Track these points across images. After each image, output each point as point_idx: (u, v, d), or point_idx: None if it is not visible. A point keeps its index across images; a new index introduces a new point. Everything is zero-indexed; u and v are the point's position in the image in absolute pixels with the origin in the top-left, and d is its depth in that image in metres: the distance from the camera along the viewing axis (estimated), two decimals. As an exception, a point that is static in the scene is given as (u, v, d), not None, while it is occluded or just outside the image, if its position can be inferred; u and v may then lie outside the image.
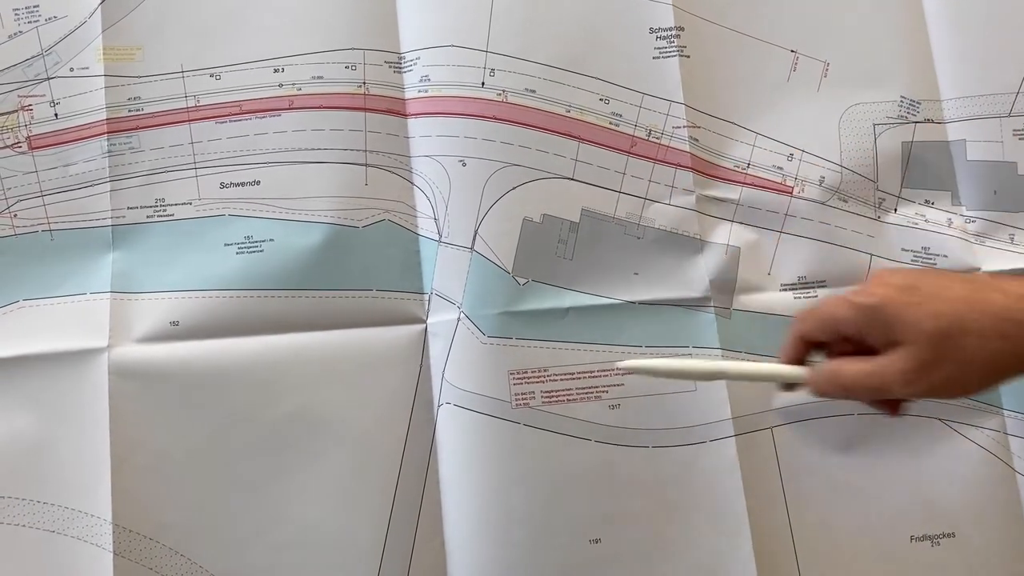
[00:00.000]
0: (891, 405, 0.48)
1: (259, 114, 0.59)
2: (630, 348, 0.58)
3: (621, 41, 0.61)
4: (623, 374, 0.56)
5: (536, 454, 0.56)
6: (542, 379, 0.57)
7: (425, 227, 0.59)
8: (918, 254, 0.60)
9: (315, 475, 0.56)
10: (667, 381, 0.57)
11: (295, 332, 0.57)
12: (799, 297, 0.59)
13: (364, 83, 0.60)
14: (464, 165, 0.59)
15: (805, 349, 0.49)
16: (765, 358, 0.58)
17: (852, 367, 0.44)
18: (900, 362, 0.42)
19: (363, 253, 0.58)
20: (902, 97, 0.61)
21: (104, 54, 0.60)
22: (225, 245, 0.58)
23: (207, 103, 0.60)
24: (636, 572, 0.55)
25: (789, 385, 0.49)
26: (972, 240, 0.60)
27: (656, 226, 0.59)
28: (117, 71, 0.59)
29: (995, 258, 0.60)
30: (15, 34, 0.60)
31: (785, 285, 0.59)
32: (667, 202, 0.60)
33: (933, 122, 0.61)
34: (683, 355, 0.58)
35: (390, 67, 0.61)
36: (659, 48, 0.61)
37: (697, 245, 0.59)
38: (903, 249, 0.60)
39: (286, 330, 0.57)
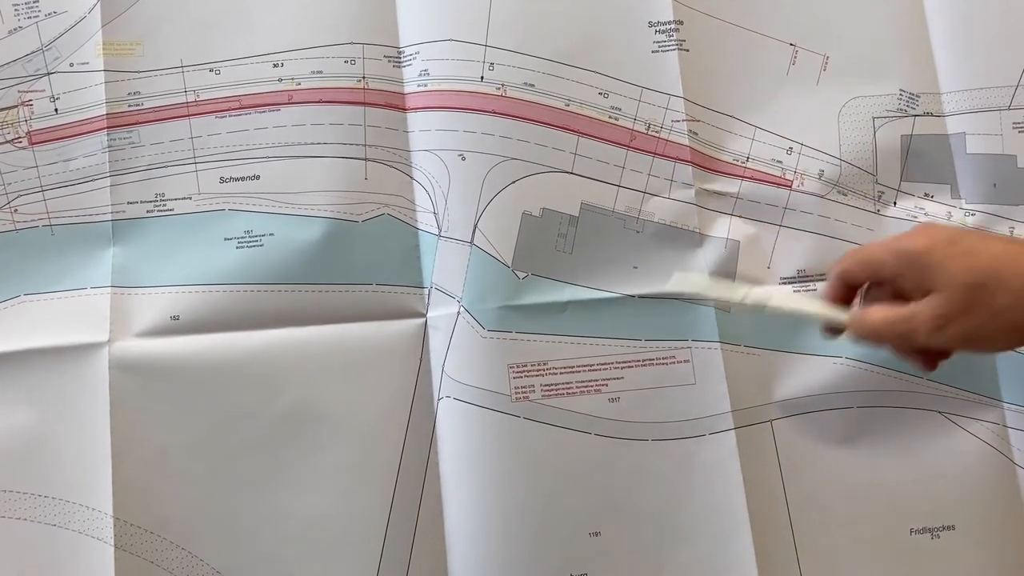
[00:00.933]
0: (926, 360, 0.48)
1: (259, 109, 0.60)
2: (630, 341, 0.58)
3: (620, 35, 0.61)
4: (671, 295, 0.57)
5: (536, 447, 0.56)
6: (542, 372, 0.57)
7: (424, 221, 0.59)
8: (918, 247, 0.60)
9: (315, 469, 0.56)
10: (667, 376, 0.57)
11: (295, 326, 0.57)
12: (798, 291, 0.59)
13: (363, 77, 0.60)
14: (463, 159, 0.59)
15: (845, 290, 0.50)
16: (765, 351, 0.58)
17: (882, 311, 0.46)
18: (930, 308, 0.43)
19: (363, 247, 0.58)
20: (901, 90, 0.61)
21: (104, 49, 0.60)
22: (225, 239, 0.58)
23: (207, 98, 0.60)
24: (636, 565, 0.55)
25: (832, 330, 0.50)
26: (972, 233, 0.60)
27: (655, 220, 0.59)
28: (117, 66, 0.60)
29: (995, 251, 0.60)
30: (15, 29, 0.60)
31: (784, 278, 0.59)
32: (666, 196, 0.60)
33: (932, 115, 0.61)
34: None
35: (389, 61, 0.61)
36: (658, 42, 0.61)
37: (696, 239, 0.59)
38: (902, 242, 0.60)
39: (286, 324, 0.57)
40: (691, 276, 0.56)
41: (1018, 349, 0.58)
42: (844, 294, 0.50)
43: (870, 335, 0.47)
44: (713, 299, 0.55)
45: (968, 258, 0.43)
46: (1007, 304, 0.42)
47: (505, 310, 0.58)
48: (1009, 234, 0.59)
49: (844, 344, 0.52)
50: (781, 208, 0.60)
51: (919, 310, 0.44)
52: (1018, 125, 0.60)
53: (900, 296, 0.46)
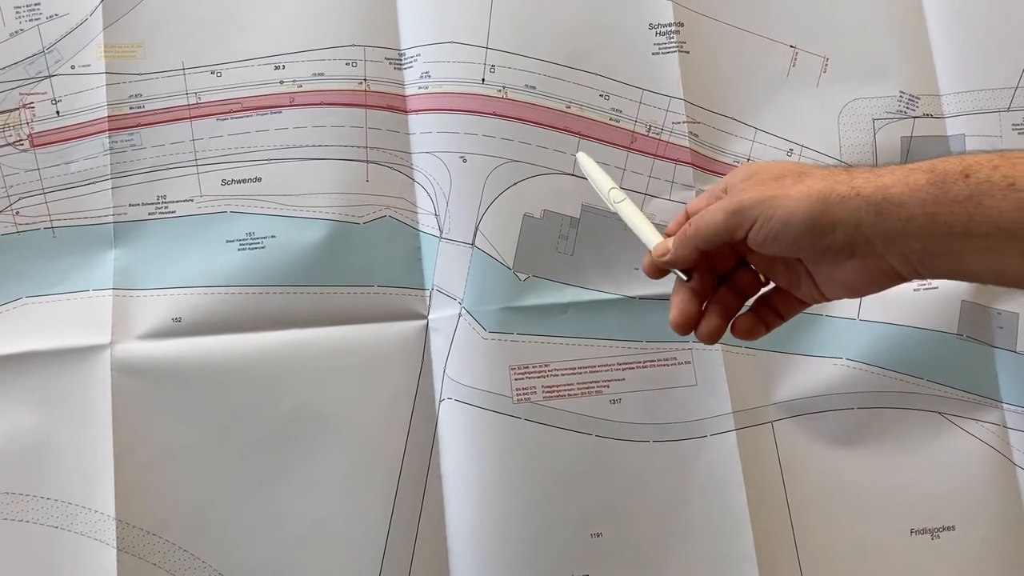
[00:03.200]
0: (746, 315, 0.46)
1: (260, 111, 0.60)
2: (631, 343, 0.58)
3: (621, 37, 0.61)
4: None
5: (537, 449, 0.56)
6: (543, 374, 0.57)
7: (426, 223, 0.59)
8: (917, 248, 0.60)
9: (317, 470, 0.56)
10: (668, 377, 0.58)
11: (297, 328, 0.57)
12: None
13: (365, 80, 0.60)
14: (465, 161, 0.59)
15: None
16: (766, 352, 0.58)
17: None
18: (733, 189, 0.43)
19: (364, 249, 0.58)
20: (901, 92, 0.61)
21: (105, 52, 0.60)
22: (227, 242, 0.58)
23: (208, 100, 0.60)
24: (637, 565, 0.56)
25: (654, 269, 0.47)
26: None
27: (656, 221, 0.59)
28: (118, 68, 0.60)
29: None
30: (16, 32, 0.60)
31: (785, 280, 0.59)
32: (667, 197, 0.60)
33: (932, 117, 0.61)
34: (682, 346, 0.58)
35: (390, 64, 0.61)
36: (659, 44, 0.61)
37: (697, 240, 0.59)
38: (902, 244, 0.60)
39: (288, 326, 0.57)
40: (589, 160, 0.53)
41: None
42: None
43: (679, 237, 0.44)
44: (590, 180, 0.52)
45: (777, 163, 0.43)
46: (815, 177, 0.40)
47: (506, 312, 0.58)
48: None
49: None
50: (781, 210, 0.60)
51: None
52: (1017, 127, 0.60)
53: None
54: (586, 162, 0.53)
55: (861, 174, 0.40)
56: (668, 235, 0.47)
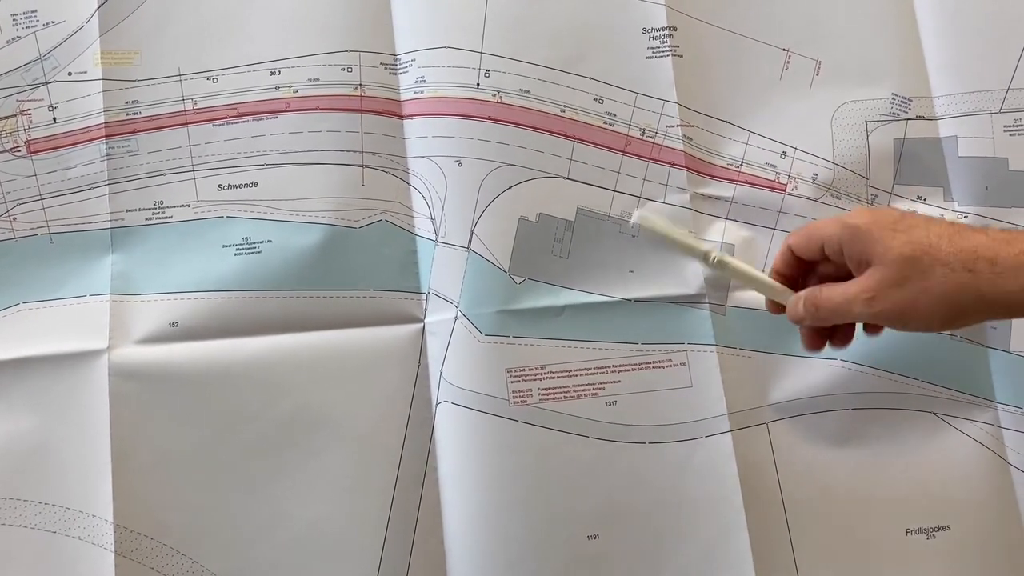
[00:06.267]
0: (846, 335, 0.51)
1: (256, 116, 0.60)
2: (626, 345, 0.58)
3: (614, 41, 0.61)
4: (637, 230, 0.58)
5: (534, 451, 0.57)
6: (539, 377, 0.58)
7: (422, 227, 0.60)
8: (911, 250, 0.60)
9: (315, 474, 0.56)
10: (663, 379, 0.58)
11: (294, 332, 0.57)
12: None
13: (360, 85, 0.60)
14: (460, 165, 0.59)
15: (794, 263, 0.50)
16: (761, 354, 0.59)
17: (826, 289, 0.47)
18: (866, 281, 0.44)
19: (360, 253, 0.59)
20: (893, 94, 0.62)
21: (102, 58, 0.60)
22: (223, 246, 0.58)
23: (204, 106, 0.60)
24: (634, 567, 0.56)
25: (775, 306, 0.52)
26: (964, 235, 0.60)
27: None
28: (115, 75, 0.60)
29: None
30: (13, 39, 0.60)
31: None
32: (662, 200, 0.60)
33: (925, 119, 0.62)
34: (681, 346, 0.58)
35: (386, 69, 0.61)
36: (652, 48, 0.61)
37: (692, 243, 0.60)
38: (896, 245, 0.60)
39: (285, 330, 0.57)
40: (654, 217, 0.57)
41: (960, 334, 0.59)
42: (793, 268, 0.51)
43: (812, 310, 0.47)
44: (677, 246, 0.57)
45: (907, 234, 0.43)
46: (940, 277, 0.41)
47: (502, 315, 0.58)
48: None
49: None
50: (775, 212, 0.61)
51: (854, 284, 0.44)
52: (1009, 128, 0.61)
53: (845, 273, 0.47)
54: (651, 223, 0.57)
55: (984, 274, 0.41)
56: (776, 271, 0.52)
